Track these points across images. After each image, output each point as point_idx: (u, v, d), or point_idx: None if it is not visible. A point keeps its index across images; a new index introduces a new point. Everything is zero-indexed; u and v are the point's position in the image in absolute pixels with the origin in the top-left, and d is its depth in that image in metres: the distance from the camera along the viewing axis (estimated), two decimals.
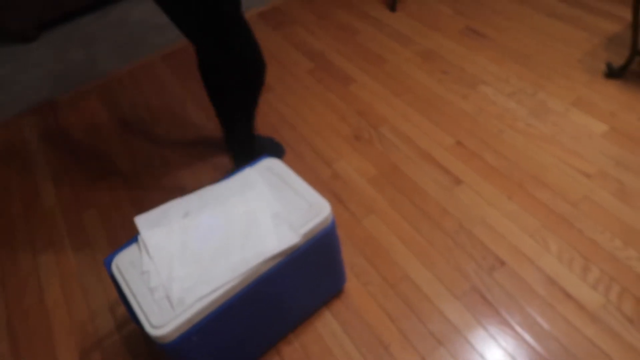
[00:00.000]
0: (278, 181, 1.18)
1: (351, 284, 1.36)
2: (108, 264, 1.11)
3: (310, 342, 1.26)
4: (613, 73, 1.79)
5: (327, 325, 1.28)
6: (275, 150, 1.75)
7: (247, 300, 1.05)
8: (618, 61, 1.81)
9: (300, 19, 2.44)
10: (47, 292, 1.51)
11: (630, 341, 1.15)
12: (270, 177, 1.19)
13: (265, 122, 1.92)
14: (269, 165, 1.23)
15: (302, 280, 1.17)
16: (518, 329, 1.21)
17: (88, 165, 1.90)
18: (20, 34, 2.69)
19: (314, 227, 1.08)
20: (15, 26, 2.63)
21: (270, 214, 1.10)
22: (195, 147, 1.87)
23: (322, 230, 1.10)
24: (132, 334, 1.36)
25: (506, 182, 1.52)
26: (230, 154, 1.69)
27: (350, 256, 1.42)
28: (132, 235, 1.14)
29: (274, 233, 1.07)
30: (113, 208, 1.71)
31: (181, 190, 1.71)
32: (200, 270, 1.03)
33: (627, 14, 2.03)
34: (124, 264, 1.08)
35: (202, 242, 1.08)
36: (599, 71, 1.82)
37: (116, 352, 1.32)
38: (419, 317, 1.27)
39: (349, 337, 1.26)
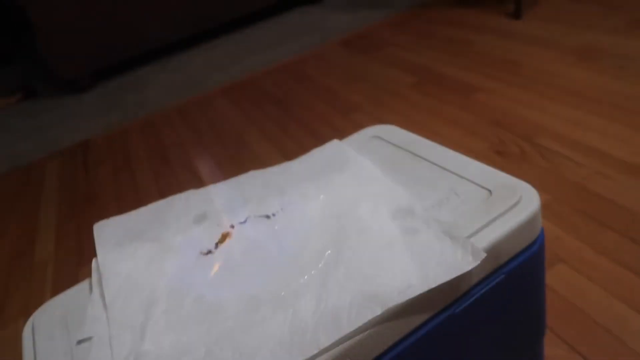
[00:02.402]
0: (402, 156, 0.55)
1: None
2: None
3: None
4: None
5: None
6: None
7: None
8: None
9: (393, 41, 1.92)
10: None
11: None
12: (386, 151, 0.57)
13: None
14: (379, 133, 0.61)
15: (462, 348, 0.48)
16: None
17: (103, 202, 1.37)
18: (74, 84, 2.38)
19: (511, 236, 0.42)
20: (69, 75, 2.32)
21: (391, 208, 0.47)
22: None
23: (528, 246, 0.44)
24: None
25: None
26: None
27: None
28: None
29: (404, 249, 0.42)
30: None
31: None
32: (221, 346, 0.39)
33: None
34: (49, 319, 0.47)
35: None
36: None
37: None
38: None
39: None
